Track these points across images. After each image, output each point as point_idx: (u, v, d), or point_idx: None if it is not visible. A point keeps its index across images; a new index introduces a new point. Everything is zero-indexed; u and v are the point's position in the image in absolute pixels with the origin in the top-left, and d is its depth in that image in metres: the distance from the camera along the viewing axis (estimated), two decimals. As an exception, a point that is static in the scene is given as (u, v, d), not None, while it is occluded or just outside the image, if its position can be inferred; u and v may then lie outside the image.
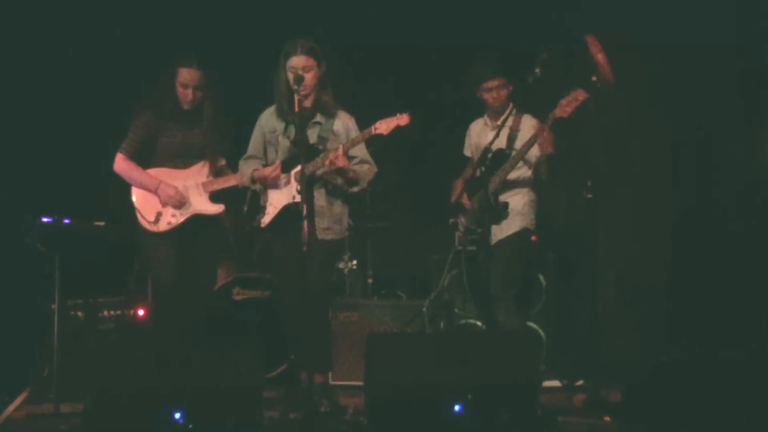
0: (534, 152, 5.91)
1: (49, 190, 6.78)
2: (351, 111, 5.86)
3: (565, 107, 5.70)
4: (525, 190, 6.09)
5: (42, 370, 6.25)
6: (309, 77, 5.62)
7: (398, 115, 5.59)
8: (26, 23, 6.95)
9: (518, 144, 6.02)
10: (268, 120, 5.82)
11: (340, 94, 5.84)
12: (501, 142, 6.04)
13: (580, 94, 5.66)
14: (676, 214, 6.46)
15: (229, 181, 5.99)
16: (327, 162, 5.56)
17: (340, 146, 5.58)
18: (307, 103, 5.68)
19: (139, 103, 6.07)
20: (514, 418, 4.83)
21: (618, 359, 5.91)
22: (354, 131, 5.77)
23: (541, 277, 6.79)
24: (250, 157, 5.86)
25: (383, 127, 5.58)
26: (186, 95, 5.95)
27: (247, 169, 5.81)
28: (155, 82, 6.04)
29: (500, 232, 6.02)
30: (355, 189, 5.78)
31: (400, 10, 7.32)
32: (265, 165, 5.82)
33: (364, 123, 5.73)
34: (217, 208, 6.01)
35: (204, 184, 6.02)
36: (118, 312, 6.56)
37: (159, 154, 6.03)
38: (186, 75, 5.93)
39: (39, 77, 6.97)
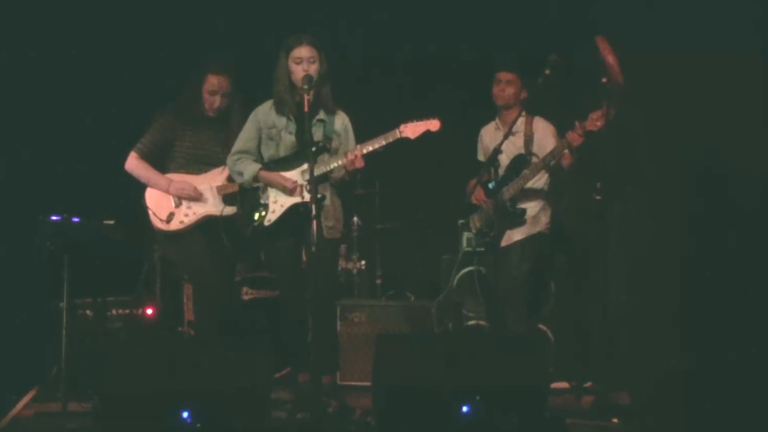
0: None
1: (58, 188, 6.80)
2: (358, 111, 5.84)
3: (595, 121, 5.65)
4: (540, 197, 6.08)
5: (50, 368, 6.26)
6: (313, 69, 5.59)
7: (428, 120, 5.52)
8: (40, 24, 6.97)
9: (535, 148, 6.01)
10: (267, 115, 5.76)
11: (347, 93, 5.83)
12: (517, 147, 6.03)
13: (612, 111, 5.61)
14: (689, 216, 6.43)
15: None
16: (346, 163, 5.53)
17: (358, 148, 5.55)
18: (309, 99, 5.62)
19: (162, 108, 6.09)
20: (522, 419, 4.82)
21: (627, 362, 5.89)
22: (351, 131, 5.76)
23: (550, 279, 6.78)
24: (243, 153, 5.78)
25: (410, 131, 5.52)
26: (213, 102, 5.98)
27: (249, 168, 5.72)
28: (182, 89, 6.07)
29: (512, 235, 6.02)
30: (356, 190, 5.78)
31: (409, 11, 7.32)
32: (257, 160, 5.75)
33: (374, 123, 5.71)
34: (229, 210, 6.01)
35: (218, 188, 6.03)
36: (127, 311, 6.56)
37: (176, 158, 6.05)
38: (214, 82, 5.96)
39: (50, 77, 6.98)
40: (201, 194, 6.02)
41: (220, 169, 6.07)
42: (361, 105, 5.96)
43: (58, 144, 7.00)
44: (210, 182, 6.06)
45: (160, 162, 6.08)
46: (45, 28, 6.98)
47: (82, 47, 7.06)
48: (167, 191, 6.00)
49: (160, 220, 6.00)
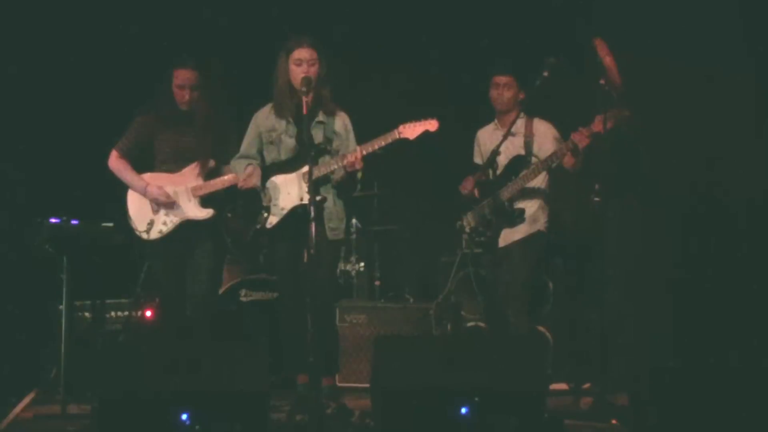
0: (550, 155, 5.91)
1: (57, 191, 6.80)
2: (356, 112, 5.84)
3: (601, 123, 5.64)
4: (538, 197, 6.08)
5: (49, 371, 6.27)
6: (313, 71, 5.59)
7: (426, 120, 5.51)
8: (36, 26, 6.97)
9: (536, 149, 6.00)
10: (266, 119, 5.76)
11: (344, 95, 5.83)
12: (517, 149, 6.02)
13: (618, 113, 5.60)
14: (686, 218, 6.44)
15: (216, 185, 5.95)
16: (346, 164, 5.52)
17: (358, 149, 5.54)
18: (308, 101, 5.57)
19: (141, 107, 6.09)
20: (520, 421, 4.82)
21: (625, 363, 5.90)
22: (351, 132, 5.75)
23: (548, 281, 6.78)
24: (243, 158, 5.79)
25: (409, 131, 5.51)
26: (182, 96, 5.96)
27: (240, 167, 5.74)
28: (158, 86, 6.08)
29: (511, 235, 6.01)
30: (356, 191, 5.78)
31: (409, 13, 7.33)
32: (261, 164, 5.76)
33: (372, 123, 5.71)
34: (205, 213, 5.97)
35: (193, 189, 5.98)
36: (126, 313, 6.57)
37: (156, 157, 6.03)
38: (182, 76, 5.94)
39: (48, 79, 6.99)
40: (175, 200, 5.98)
41: (194, 165, 5.99)
42: (359, 106, 5.95)
43: (57, 146, 7.00)
44: (186, 182, 5.99)
45: (145, 161, 6.05)
46: (44, 30, 6.98)
47: (82, 48, 7.06)
48: (144, 195, 5.98)
49: (140, 230, 5.96)
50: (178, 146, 6.00)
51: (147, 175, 6.00)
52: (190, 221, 5.98)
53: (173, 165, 6.01)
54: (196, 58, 6.01)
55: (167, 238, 5.96)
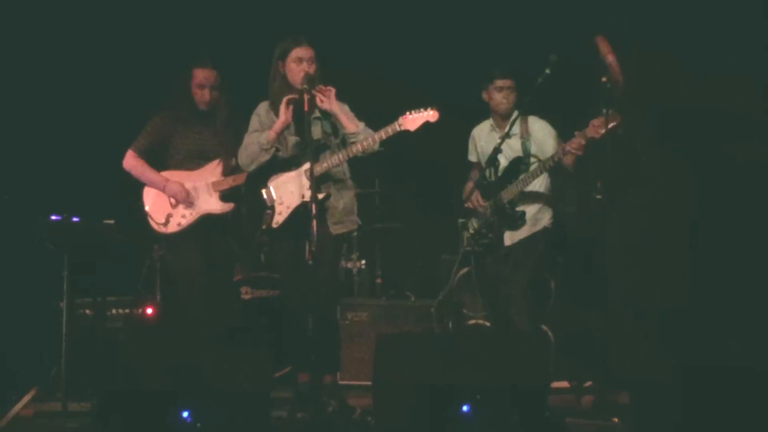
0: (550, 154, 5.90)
1: (58, 188, 6.80)
2: (356, 106, 5.83)
3: (597, 128, 5.61)
4: (539, 199, 6.07)
5: (50, 368, 6.26)
6: (313, 69, 5.59)
7: (426, 111, 5.50)
8: (39, 24, 6.98)
9: (534, 149, 6.00)
10: (267, 116, 5.75)
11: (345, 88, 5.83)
12: (514, 149, 6.01)
13: (613, 117, 5.58)
14: (689, 215, 6.43)
15: (238, 180, 5.97)
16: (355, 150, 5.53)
17: (357, 144, 5.54)
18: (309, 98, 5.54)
19: (157, 107, 6.09)
20: (522, 419, 4.81)
21: (626, 361, 5.89)
22: (351, 113, 5.70)
23: (550, 279, 6.78)
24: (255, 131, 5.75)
25: (409, 123, 5.49)
26: (203, 95, 5.98)
27: (259, 135, 5.65)
28: (171, 86, 6.07)
29: (515, 235, 6.01)
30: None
31: (407, 12, 7.33)
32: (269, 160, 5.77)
33: (372, 118, 5.70)
34: (226, 207, 6.00)
35: (214, 184, 6.01)
36: (127, 310, 6.57)
37: (173, 156, 6.04)
38: (202, 75, 5.96)
39: (49, 76, 6.99)
40: (196, 196, 5.99)
41: (215, 162, 6.04)
42: (358, 100, 5.94)
43: (58, 143, 7.00)
44: (206, 179, 6.03)
45: (160, 160, 6.07)
46: (45, 28, 6.99)
47: (84, 47, 7.07)
48: (163, 191, 5.99)
49: (158, 223, 5.98)
50: (197, 145, 6.02)
51: (166, 173, 6.02)
52: (210, 215, 5.99)
53: (192, 163, 6.03)
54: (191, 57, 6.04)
55: (186, 232, 5.97)
